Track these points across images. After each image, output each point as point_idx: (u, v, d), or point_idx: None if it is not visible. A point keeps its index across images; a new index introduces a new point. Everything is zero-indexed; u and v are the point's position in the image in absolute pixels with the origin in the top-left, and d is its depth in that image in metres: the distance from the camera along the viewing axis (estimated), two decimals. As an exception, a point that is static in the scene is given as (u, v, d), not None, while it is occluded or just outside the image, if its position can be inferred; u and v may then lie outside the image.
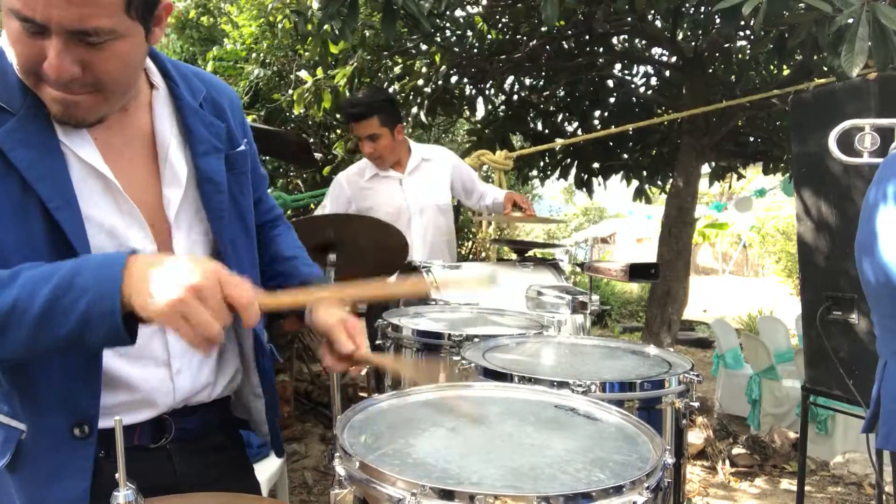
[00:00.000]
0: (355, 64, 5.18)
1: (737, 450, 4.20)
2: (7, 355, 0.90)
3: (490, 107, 6.06)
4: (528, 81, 6.05)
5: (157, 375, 1.07)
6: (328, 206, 3.15)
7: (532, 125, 6.07)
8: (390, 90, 5.66)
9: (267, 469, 2.48)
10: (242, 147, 1.19)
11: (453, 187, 3.20)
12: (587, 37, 5.23)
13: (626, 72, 5.88)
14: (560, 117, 6.10)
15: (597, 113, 5.93)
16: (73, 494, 0.97)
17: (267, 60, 6.35)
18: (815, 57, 4.08)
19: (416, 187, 3.06)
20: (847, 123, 1.90)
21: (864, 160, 1.86)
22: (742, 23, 4.09)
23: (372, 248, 2.54)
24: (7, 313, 0.85)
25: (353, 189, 3.10)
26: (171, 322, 0.84)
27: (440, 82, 5.30)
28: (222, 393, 1.18)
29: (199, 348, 0.87)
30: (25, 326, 0.86)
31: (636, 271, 2.35)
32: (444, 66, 5.26)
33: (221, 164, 1.13)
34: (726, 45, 4.79)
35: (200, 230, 1.12)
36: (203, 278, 0.85)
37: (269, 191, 1.35)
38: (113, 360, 1.03)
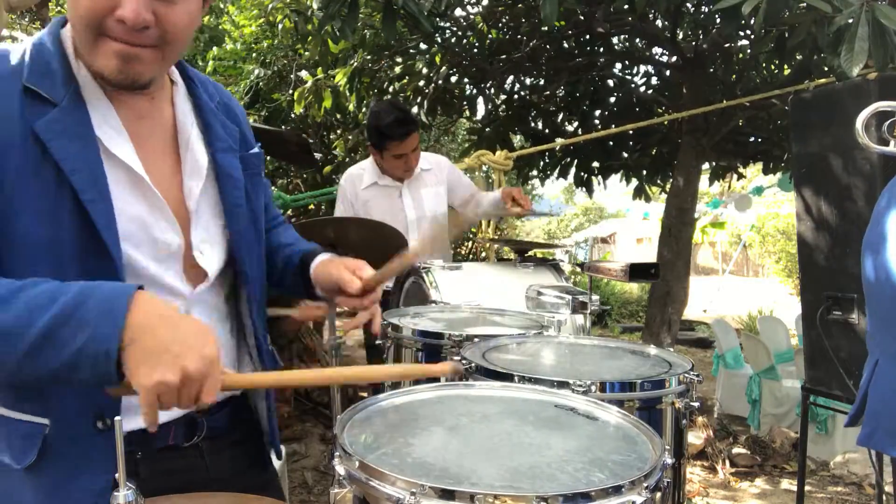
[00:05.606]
0: (355, 64, 5.19)
1: (737, 450, 4.20)
2: None
3: (490, 107, 6.06)
4: (528, 81, 6.05)
5: None
6: (339, 212, 3.18)
7: (532, 125, 6.07)
8: (390, 90, 5.67)
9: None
10: (256, 150, 1.23)
11: (449, 196, 3.20)
12: (587, 37, 5.23)
13: (626, 72, 5.87)
14: (560, 117, 6.10)
15: (597, 113, 5.92)
16: (98, 486, 0.97)
17: (267, 60, 6.37)
18: (815, 57, 4.08)
19: (415, 197, 3.07)
20: (882, 104, 1.74)
21: (891, 149, 1.72)
22: (742, 23, 4.09)
23: (372, 248, 2.54)
24: (2, 335, 0.83)
25: (352, 192, 3.11)
26: (146, 393, 0.81)
27: (440, 82, 5.29)
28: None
29: (147, 417, 0.84)
30: (16, 353, 0.82)
31: (636, 271, 2.34)
32: (444, 66, 5.26)
33: (237, 162, 1.16)
34: (726, 45, 4.78)
35: (217, 224, 1.13)
36: (196, 367, 0.83)
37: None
38: None
